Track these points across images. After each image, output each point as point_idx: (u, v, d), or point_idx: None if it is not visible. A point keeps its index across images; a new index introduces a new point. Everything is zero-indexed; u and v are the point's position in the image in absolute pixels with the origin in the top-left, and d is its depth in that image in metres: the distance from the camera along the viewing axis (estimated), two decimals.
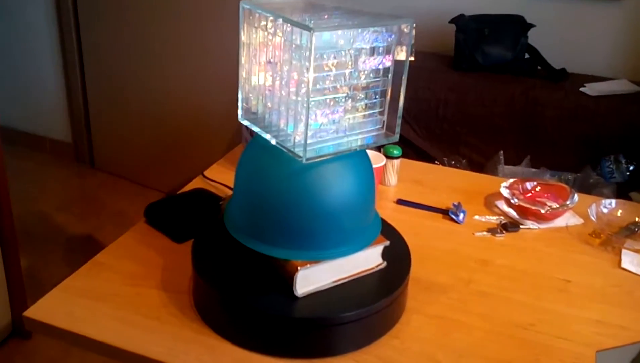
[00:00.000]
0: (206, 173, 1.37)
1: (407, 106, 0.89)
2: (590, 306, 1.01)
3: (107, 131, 3.10)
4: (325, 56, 0.80)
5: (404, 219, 1.24)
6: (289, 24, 0.80)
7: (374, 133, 0.90)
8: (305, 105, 0.79)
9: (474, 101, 2.22)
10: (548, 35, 2.40)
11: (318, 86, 0.81)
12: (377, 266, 0.94)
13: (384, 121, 0.89)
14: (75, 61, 3.05)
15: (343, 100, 0.85)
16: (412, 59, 0.87)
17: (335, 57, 0.81)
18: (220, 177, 1.35)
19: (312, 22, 0.78)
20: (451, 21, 2.36)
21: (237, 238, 0.90)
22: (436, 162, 2.23)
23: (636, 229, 1.22)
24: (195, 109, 2.73)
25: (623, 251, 1.17)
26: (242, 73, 0.91)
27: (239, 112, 0.94)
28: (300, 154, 0.81)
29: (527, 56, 2.35)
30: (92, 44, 2.96)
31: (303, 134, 0.81)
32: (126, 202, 2.89)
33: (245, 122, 0.93)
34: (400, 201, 1.31)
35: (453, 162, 2.25)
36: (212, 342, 0.87)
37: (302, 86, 0.79)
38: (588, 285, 1.07)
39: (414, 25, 0.84)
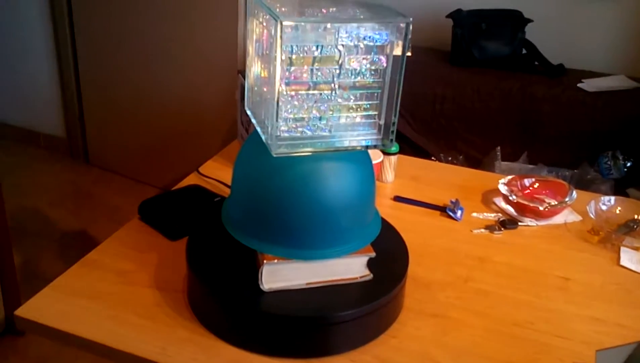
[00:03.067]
0: (201, 169, 1.35)
1: (403, 101, 0.86)
2: (590, 304, 1.00)
3: (102, 126, 3.08)
4: (313, 50, 0.78)
5: (402, 217, 1.23)
6: (267, 14, 0.78)
7: (367, 135, 0.86)
8: (275, 98, 0.78)
9: (471, 97, 2.21)
10: (546, 30, 2.38)
11: (300, 80, 0.79)
12: (360, 277, 0.90)
13: (379, 125, 0.85)
14: (69, 55, 3.02)
15: (331, 97, 0.82)
16: (409, 54, 0.84)
17: (321, 52, 0.78)
18: (215, 173, 1.33)
19: (289, 12, 0.76)
20: (448, 16, 2.35)
21: (226, 227, 0.89)
22: (433, 158, 2.22)
23: (635, 226, 1.21)
24: (190, 105, 2.71)
25: (622, 248, 1.16)
26: (248, 62, 0.91)
27: (245, 100, 0.95)
28: (273, 148, 0.80)
29: (524, 51, 2.34)
30: (86, 38, 2.94)
31: (273, 128, 0.79)
32: (120, 198, 2.87)
33: (249, 112, 0.93)
34: (397, 198, 1.30)
35: (450, 158, 2.24)
36: (207, 342, 0.85)
37: (275, 78, 0.78)
38: (587, 282, 1.06)
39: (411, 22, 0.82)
